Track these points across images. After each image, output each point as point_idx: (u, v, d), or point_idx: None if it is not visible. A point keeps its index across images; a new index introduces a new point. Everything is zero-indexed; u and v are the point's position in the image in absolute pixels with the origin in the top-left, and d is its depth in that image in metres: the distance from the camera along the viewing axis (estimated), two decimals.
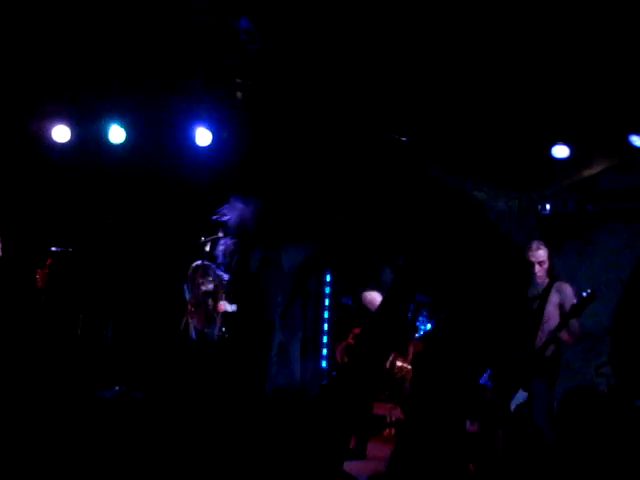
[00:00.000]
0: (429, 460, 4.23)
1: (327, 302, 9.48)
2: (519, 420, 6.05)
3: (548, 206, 7.94)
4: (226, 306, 7.59)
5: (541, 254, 6.22)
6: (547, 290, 6.18)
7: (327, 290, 9.49)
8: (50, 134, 8.15)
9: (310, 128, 8.03)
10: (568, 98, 7.01)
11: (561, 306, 6.15)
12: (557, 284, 6.20)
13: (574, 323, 6.04)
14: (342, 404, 4.37)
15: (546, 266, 6.23)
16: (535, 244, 6.30)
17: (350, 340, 7.87)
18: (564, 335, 6.01)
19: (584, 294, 5.90)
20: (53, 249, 7.85)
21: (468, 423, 7.35)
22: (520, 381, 6.00)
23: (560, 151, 7.31)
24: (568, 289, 6.20)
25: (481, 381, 8.02)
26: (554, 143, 7.30)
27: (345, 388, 4.46)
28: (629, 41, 6.28)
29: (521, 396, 6.01)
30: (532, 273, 6.19)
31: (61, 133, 8.14)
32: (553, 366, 6.11)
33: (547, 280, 6.22)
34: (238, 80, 7.84)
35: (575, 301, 6.07)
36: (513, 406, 6.03)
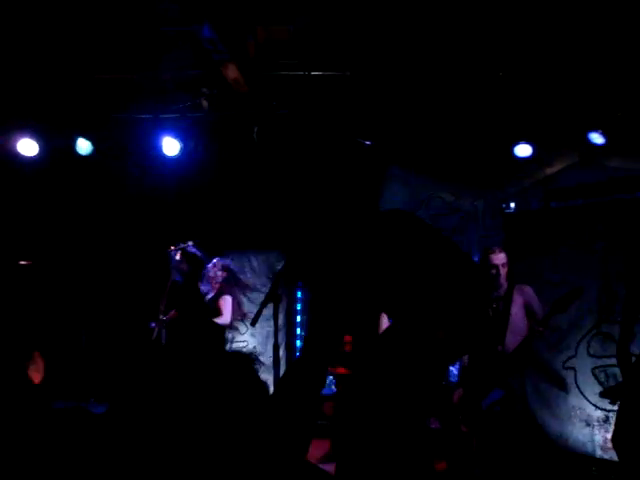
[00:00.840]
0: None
1: (299, 307, 9.58)
2: (492, 418, 6.12)
3: (513, 204, 8.00)
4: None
5: (502, 257, 6.24)
6: (509, 292, 6.22)
7: (299, 295, 9.58)
8: (16, 147, 8.03)
9: (274, 134, 7.98)
10: (529, 99, 7.08)
11: (527, 306, 6.20)
12: (518, 286, 6.25)
13: (538, 310, 6.15)
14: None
15: (506, 269, 6.26)
16: (496, 248, 6.35)
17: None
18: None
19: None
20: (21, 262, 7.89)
21: (435, 422, 7.47)
22: (494, 380, 6.03)
23: (523, 150, 7.39)
24: (529, 289, 6.28)
25: (450, 379, 8.14)
26: (516, 142, 7.37)
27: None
28: (586, 45, 6.34)
29: (496, 395, 6.04)
30: (495, 276, 6.19)
31: (28, 146, 8.02)
32: (525, 362, 6.14)
33: (506, 284, 6.25)
34: (204, 89, 7.78)
35: (537, 300, 6.23)
36: (485, 405, 6.10)
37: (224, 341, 7.97)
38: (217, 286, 8.15)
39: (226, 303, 8.02)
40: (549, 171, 7.49)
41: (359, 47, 6.85)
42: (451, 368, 8.28)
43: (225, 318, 7.99)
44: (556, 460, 6.63)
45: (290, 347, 9.56)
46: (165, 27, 6.77)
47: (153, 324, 7.75)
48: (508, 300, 6.19)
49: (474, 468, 6.26)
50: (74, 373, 9.04)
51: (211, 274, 8.15)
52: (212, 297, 8.14)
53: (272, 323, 7.50)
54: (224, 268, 8.22)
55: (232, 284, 8.27)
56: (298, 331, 9.56)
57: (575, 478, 6.70)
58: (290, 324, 9.61)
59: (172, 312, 7.93)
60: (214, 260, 8.23)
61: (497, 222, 7.99)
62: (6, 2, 6.35)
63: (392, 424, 4.01)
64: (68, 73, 7.33)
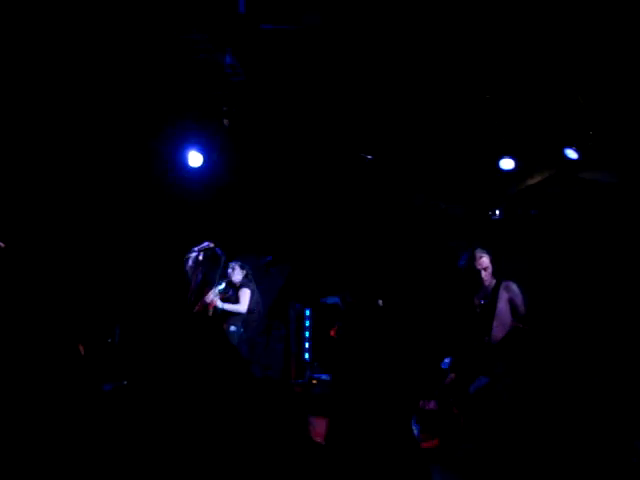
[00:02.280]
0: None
1: (307, 323, 9.89)
2: (479, 401, 6.50)
3: (498, 212, 8.34)
4: (217, 302, 8.00)
5: (484, 261, 6.60)
6: (496, 289, 6.54)
7: (307, 313, 9.91)
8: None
9: (289, 150, 8.40)
10: (513, 118, 7.31)
11: (511, 300, 6.53)
12: (504, 283, 6.56)
13: (520, 306, 6.50)
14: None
15: (490, 270, 6.60)
16: (477, 253, 6.65)
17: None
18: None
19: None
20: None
21: (432, 403, 7.93)
22: (480, 368, 6.50)
23: (506, 163, 7.58)
24: (514, 286, 6.57)
25: (442, 366, 8.62)
26: (501, 157, 7.58)
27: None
28: (563, 72, 6.68)
29: (482, 381, 6.48)
30: (479, 277, 6.59)
31: None
32: (513, 352, 6.42)
33: (494, 281, 6.59)
34: (225, 108, 8.07)
35: (520, 296, 6.56)
36: (473, 389, 6.54)
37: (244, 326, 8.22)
38: (238, 284, 8.38)
39: (244, 294, 8.24)
40: (531, 182, 7.74)
41: (357, 68, 7.19)
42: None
43: (242, 306, 8.20)
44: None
45: (300, 338, 9.89)
46: (192, 55, 7.18)
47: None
48: (495, 295, 6.51)
49: (463, 444, 6.61)
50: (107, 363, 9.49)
51: (233, 278, 8.36)
52: (234, 293, 8.36)
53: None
54: (242, 267, 8.44)
55: (250, 279, 8.43)
56: (307, 323, 9.87)
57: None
58: (299, 339, 9.92)
59: (196, 308, 7.98)
60: (231, 264, 8.41)
61: (483, 227, 8.29)
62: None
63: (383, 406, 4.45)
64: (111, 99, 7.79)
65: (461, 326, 6.82)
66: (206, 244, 8.01)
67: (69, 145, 8.34)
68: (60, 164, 8.47)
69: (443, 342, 7.43)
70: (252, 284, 8.41)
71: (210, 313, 8.05)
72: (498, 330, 6.50)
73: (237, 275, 8.39)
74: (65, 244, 8.83)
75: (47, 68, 7.25)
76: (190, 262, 8.06)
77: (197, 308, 8.11)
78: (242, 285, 8.35)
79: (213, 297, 8.03)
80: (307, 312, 9.79)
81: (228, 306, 8.16)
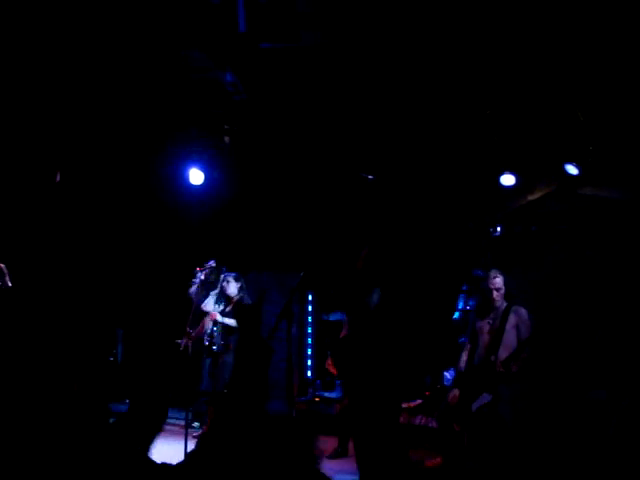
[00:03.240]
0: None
1: (310, 319, 10.00)
2: (481, 419, 6.55)
3: (499, 228, 8.26)
4: (217, 316, 7.92)
5: (498, 281, 6.43)
6: (506, 312, 6.39)
7: (309, 308, 9.97)
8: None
9: (290, 167, 8.42)
10: (513, 135, 7.31)
11: (517, 327, 6.39)
12: (515, 307, 6.42)
13: (524, 333, 6.32)
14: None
15: (502, 291, 6.44)
16: (492, 273, 6.51)
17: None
18: (513, 367, 6.27)
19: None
20: None
21: (432, 421, 7.90)
22: (484, 386, 6.33)
23: (507, 180, 7.54)
24: (523, 312, 6.43)
25: (445, 383, 8.58)
26: (502, 173, 7.54)
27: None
28: (562, 91, 6.72)
29: (484, 398, 6.31)
30: (491, 296, 6.45)
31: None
32: (517, 377, 6.30)
33: (505, 303, 6.44)
34: (226, 126, 8.18)
35: (527, 324, 6.40)
36: (475, 407, 6.48)
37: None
38: (236, 297, 8.13)
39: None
40: (531, 198, 7.73)
41: (357, 86, 7.22)
42: (445, 374, 8.76)
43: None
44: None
45: (302, 356, 10.00)
46: (193, 73, 7.29)
47: (182, 341, 7.93)
48: (504, 318, 6.38)
49: (466, 462, 6.69)
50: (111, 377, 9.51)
51: (228, 291, 8.10)
52: (232, 306, 8.12)
53: (285, 335, 7.95)
54: (237, 279, 8.14)
55: (245, 292, 8.18)
56: (309, 341, 9.93)
57: None
58: (302, 335, 9.97)
59: (198, 328, 8.09)
60: (226, 276, 8.13)
61: (484, 243, 8.24)
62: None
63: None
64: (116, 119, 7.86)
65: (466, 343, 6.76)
66: (210, 263, 7.94)
67: (68, 162, 8.43)
68: (59, 181, 8.52)
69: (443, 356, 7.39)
70: (247, 297, 8.20)
71: (210, 325, 8.00)
72: (503, 352, 6.35)
73: (232, 288, 8.12)
74: (67, 262, 8.83)
75: (48, 82, 7.28)
76: (194, 287, 8.06)
77: (198, 330, 8.15)
78: (241, 299, 8.16)
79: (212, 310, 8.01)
80: (309, 329, 9.77)
81: (228, 321, 7.99)
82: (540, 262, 7.72)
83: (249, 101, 7.63)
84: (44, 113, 7.69)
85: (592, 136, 6.94)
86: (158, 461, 2.80)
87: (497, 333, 6.41)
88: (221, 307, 8.13)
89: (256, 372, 8.00)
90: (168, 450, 3.41)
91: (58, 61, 6.99)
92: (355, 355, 4.78)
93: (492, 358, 6.34)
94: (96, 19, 6.49)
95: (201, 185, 8.42)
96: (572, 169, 7.11)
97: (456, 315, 8.70)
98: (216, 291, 8.22)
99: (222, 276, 8.14)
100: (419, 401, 7.92)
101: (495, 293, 6.49)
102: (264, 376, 8.46)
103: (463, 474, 6.46)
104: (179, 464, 2.63)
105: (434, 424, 7.76)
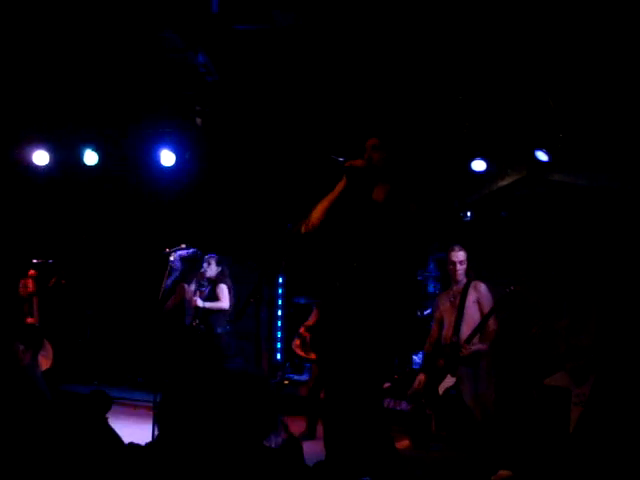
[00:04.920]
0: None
1: (280, 302, 9.91)
2: (448, 401, 6.47)
3: (469, 213, 8.30)
4: (198, 302, 7.82)
5: (461, 254, 6.46)
6: (465, 288, 6.46)
7: (280, 291, 9.89)
8: (31, 158, 8.32)
9: (263, 149, 8.31)
10: (484, 121, 7.32)
11: (478, 303, 6.44)
12: (473, 282, 6.47)
13: (491, 325, 6.35)
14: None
15: (465, 266, 6.48)
16: (457, 247, 6.53)
17: (304, 334, 8.37)
18: (478, 345, 6.31)
19: (507, 290, 6.26)
20: (35, 261, 8.14)
21: (404, 404, 7.93)
22: (447, 368, 6.42)
23: (478, 165, 7.56)
24: (482, 286, 6.47)
25: (414, 367, 8.61)
26: (473, 158, 7.55)
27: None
28: (534, 71, 6.66)
29: (449, 381, 6.40)
30: (453, 271, 6.49)
31: (41, 157, 8.31)
32: (476, 356, 6.34)
33: (465, 279, 6.49)
34: (197, 108, 8.12)
35: (488, 298, 6.47)
36: (442, 390, 6.49)
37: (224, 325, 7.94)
38: (214, 279, 7.99)
39: (222, 291, 7.89)
40: (501, 184, 7.69)
41: (330, 68, 7.19)
42: (414, 357, 8.79)
43: (224, 303, 7.88)
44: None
45: (272, 339, 9.94)
46: (165, 54, 7.16)
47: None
48: (464, 295, 6.44)
49: (433, 444, 6.59)
50: (80, 360, 9.45)
51: (208, 272, 7.96)
52: (210, 289, 8.00)
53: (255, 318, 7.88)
54: (218, 262, 8.00)
55: (226, 275, 8.03)
56: (279, 324, 9.87)
57: None
58: (271, 318, 9.91)
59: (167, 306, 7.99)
60: (207, 257, 7.99)
61: (454, 228, 8.13)
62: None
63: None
64: (80, 94, 7.70)
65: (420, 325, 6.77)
66: (183, 247, 7.81)
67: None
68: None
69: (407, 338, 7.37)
70: (228, 280, 8.05)
71: (192, 312, 7.92)
72: (466, 330, 6.40)
73: (212, 270, 7.98)
74: (37, 242, 8.78)
75: (20, 62, 7.22)
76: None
77: (169, 305, 8.00)
78: (218, 281, 8.00)
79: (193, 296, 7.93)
80: (279, 312, 9.73)
81: (210, 304, 7.87)
82: (510, 247, 7.72)
83: (221, 82, 7.53)
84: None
85: (562, 123, 6.93)
86: (126, 442, 2.76)
87: (458, 311, 6.45)
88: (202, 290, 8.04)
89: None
90: (136, 431, 3.40)
91: (29, 39, 6.89)
92: (326, 339, 4.70)
93: (454, 339, 6.39)
94: None
95: (172, 166, 8.38)
96: (542, 155, 7.12)
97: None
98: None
99: (205, 257, 8.01)
100: (387, 384, 7.90)
101: (458, 266, 6.51)
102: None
103: (429, 456, 6.55)
104: (148, 444, 2.57)
105: (402, 407, 7.81)
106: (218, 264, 8.01)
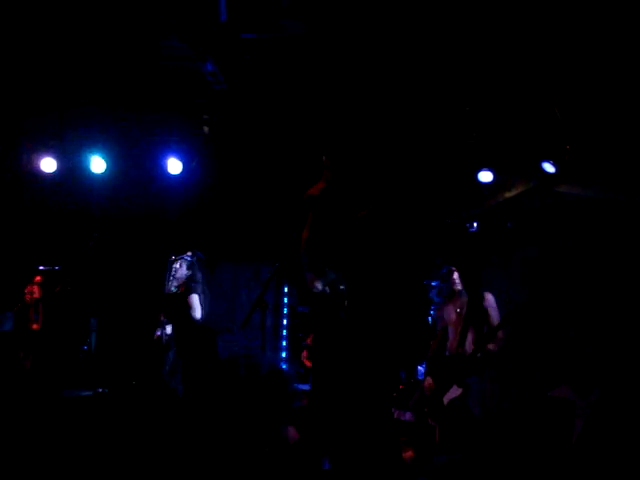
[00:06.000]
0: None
1: (285, 311, 9.93)
2: (453, 411, 6.50)
3: (475, 224, 8.28)
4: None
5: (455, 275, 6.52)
6: (471, 300, 6.40)
7: (285, 300, 9.93)
8: (38, 165, 8.29)
9: (270, 157, 8.36)
10: (492, 132, 7.35)
11: (485, 313, 6.34)
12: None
13: (499, 334, 6.23)
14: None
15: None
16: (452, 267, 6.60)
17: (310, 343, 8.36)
18: (490, 346, 6.21)
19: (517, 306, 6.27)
20: (41, 267, 8.16)
21: (408, 415, 7.87)
22: (453, 378, 6.36)
23: (485, 176, 7.59)
24: (490, 297, 6.41)
25: (419, 377, 8.56)
26: (480, 169, 7.59)
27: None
28: (540, 89, 6.73)
29: (455, 392, 6.34)
30: (452, 282, 6.54)
31: (48, 164, 8.28)
32: (483, 365, 6.27)
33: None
34: (205, 116, 8.16)
35: (495, 307, 6.41)
36: (447, 400, 6.43)
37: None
38: (183, 283, 7.40)
39: (193, 300, 7.29)
40: (508, 195, 7.73)
41: (338, 76, 7.18)
42: (420, 368, 8.73)
43: (196, 314, 7.32)
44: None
45: (276, 347, 9.89)
46: (174, 63, 7.21)
47: (158, 332, 7.51)
48: (471, 306, 6.36)
49: (437, 455, 6.66)
50: (84, 366, 9.41)
51: (177, 274, 7.38)
52: (181, 293, 7.41)
53: (258, 326, 7.76)
54: (189, 266, 7.41)
55: (197, 280, 7.44)
56: (284, 332, 9.86)
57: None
58: (277, 326, 9.88)
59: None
60: (179, 258, 7.44)
61: (461, 238, 8.19)
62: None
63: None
64: (88, 101, 7.74)
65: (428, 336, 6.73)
66: (188, 254, 7.68)
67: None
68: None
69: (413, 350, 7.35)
70: (199, 286, 7.44)
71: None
72: (471, 341, 6.35)
73: (181, 272, 7.41)
74: (43, 249, 8.79)
75: (26, 71, 7.24)
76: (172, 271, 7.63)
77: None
78: (189, 290, 7.41)
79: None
80: (284, 321, 9.71)
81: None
82: (515, 259, 7.68)
83: (229, 91, 7.54)
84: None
85: (569, 134, 6.94)
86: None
87: (464, 323, 6.39)
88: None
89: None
90: None
91: (41, 51, 6.94)
92: (325, 351, 4.66)
93: (460, 350, 6.33)
94: (77, 7, 6.40)
95: (179, 175, 8.39)
96: (549, 167, 7.12)
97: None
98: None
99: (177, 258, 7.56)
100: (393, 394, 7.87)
101: (459, 284, 6.51)
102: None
103: (432, 467, 6.50)
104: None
105: (407, 417, 7.75)
106: (189, 268, 7.45)
